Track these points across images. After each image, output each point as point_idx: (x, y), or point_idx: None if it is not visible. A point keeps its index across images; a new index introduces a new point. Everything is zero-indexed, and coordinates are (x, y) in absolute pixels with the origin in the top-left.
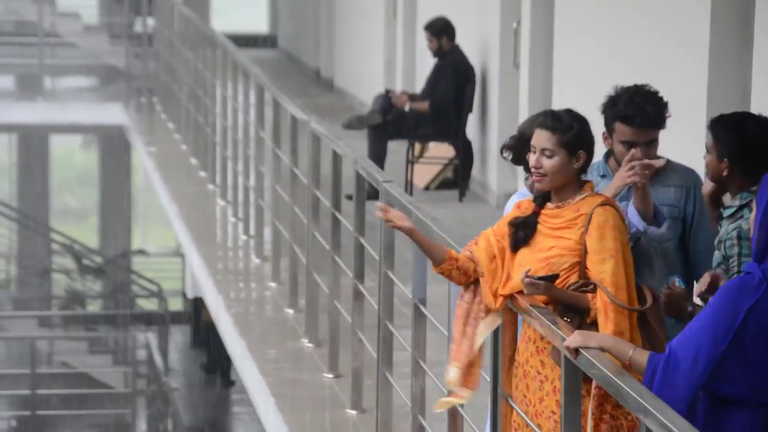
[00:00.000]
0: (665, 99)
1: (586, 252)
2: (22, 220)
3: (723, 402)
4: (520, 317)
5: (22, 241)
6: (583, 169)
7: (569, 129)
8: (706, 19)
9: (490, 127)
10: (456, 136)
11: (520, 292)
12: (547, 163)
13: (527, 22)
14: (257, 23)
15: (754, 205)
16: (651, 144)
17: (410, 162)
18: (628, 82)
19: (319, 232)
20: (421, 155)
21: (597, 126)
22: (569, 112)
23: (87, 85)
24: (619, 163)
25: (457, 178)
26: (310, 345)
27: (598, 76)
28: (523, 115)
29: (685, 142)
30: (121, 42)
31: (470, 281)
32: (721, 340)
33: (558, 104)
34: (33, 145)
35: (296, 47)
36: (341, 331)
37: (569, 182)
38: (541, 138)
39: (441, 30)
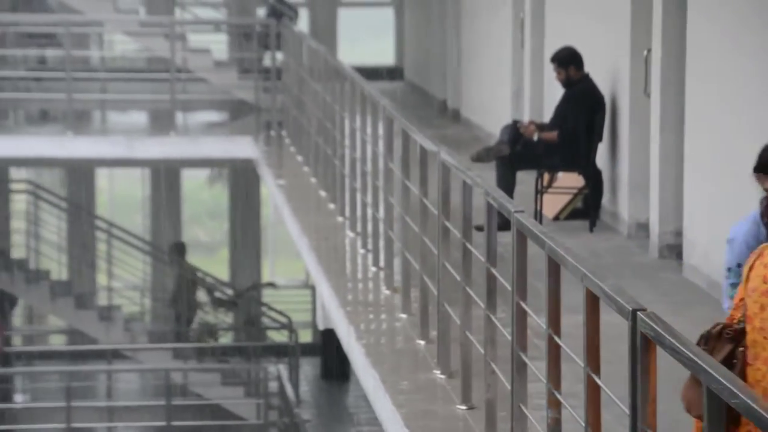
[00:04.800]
0: None
1: None
2: (156, 253)
3: None
4: None
5: (156, 274)
6: None
7: None
8: None
9: (620, 156)
10: (586, 165)
11: None
12: None
13: (658, 50)
14: (384, 55)
15: None
16: None
17: (539, 192)
18: (764, 108)
19: (449, 263)
20: (550, 185)
21: (744, 158)
22: None
23: (217, 120)
24: None
25: (588, 207)
26: (442, 376)
27: (731, 103)
28: (654, 144)
29: None
30: (250, 76)
31: None
32: None
33: (690, 133)
34: (165, 179)
35: (423, 78)
36: (474, 362)
37: None
38: None
39: (567, 60)
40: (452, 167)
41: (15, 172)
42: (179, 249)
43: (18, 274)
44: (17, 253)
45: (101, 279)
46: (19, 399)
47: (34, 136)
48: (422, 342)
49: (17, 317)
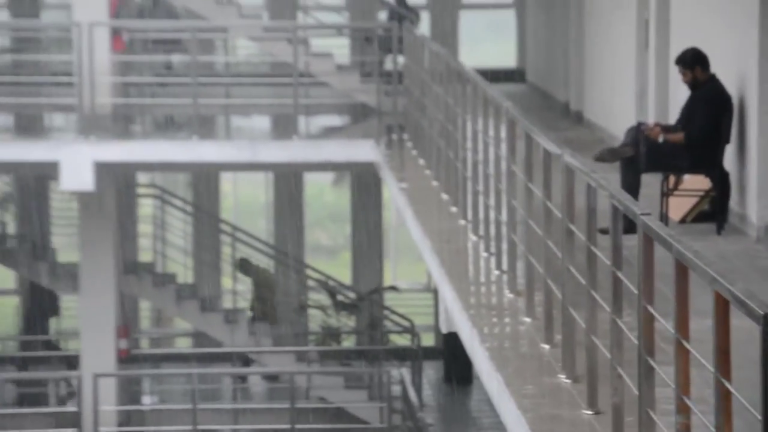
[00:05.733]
0: None
1: None
2: (279, 256)
3: None
4: None
5: (280, 277)
6: None
7: None
8: None
9: (748, 158)
10: (713, 167)
11: None
12: None
13: None
14: (505, 58)
15: None
16: None
17: (665, 194)
18: None
19: (573, 266)
20: (675, 187)
21: None
22: None
23: (339, 123)
24: None
25: (715, 210)
26: (567, 380)
27: None
28: None
29: None
30: (372, 80)
31: None
32: None
33: None
34: (287, 183)
35: (545, 81)
36: (600, 366)
37: None
38: None
39: (692, 61)
40: (576, 169)
41: (142, 177)
42: (243, 266)
43: (145, 278)
44: (144, 256)
45: (226, 282)
46: (147, 401)
47: (160, 141)
48: (546, 346)
49: (144, 319)
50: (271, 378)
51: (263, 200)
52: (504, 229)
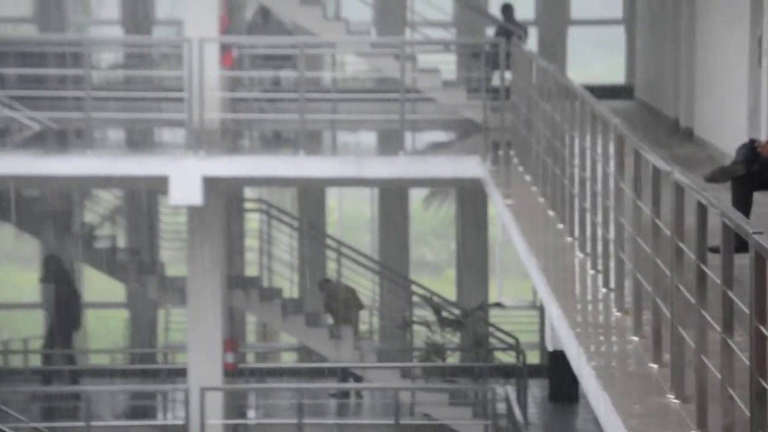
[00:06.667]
0: None
1: None
2: (384, 272)
3: None
4: None
5: (384, 293)
6: None
7: None
8: None
9: None
10: None
11: None
12: None
13: None
14: (614, 74)
15: None
16: None
17: None
18: None
19: (683, 285)
20: None
21: None
22: None
23: (445, 139)
24: None
25: None
26: (676, 401)
27: None
28: None
29: None
30: (478, 96)
31: None
32: None
33: None
34: (393, 198)
35: (654, 97)
36: (709, 387)
37: None
38: None
39: None
40: (686, 187)
41: (249, 192)
42: (321, 285)
43: (252, 292)
44: (251, 271)
45: None
46: (252, 415)
47: (267, 156)
48: (655, 365)
49: (250, 333)
50: (376, 393)
51: (368, 215)
52: (611, 247)
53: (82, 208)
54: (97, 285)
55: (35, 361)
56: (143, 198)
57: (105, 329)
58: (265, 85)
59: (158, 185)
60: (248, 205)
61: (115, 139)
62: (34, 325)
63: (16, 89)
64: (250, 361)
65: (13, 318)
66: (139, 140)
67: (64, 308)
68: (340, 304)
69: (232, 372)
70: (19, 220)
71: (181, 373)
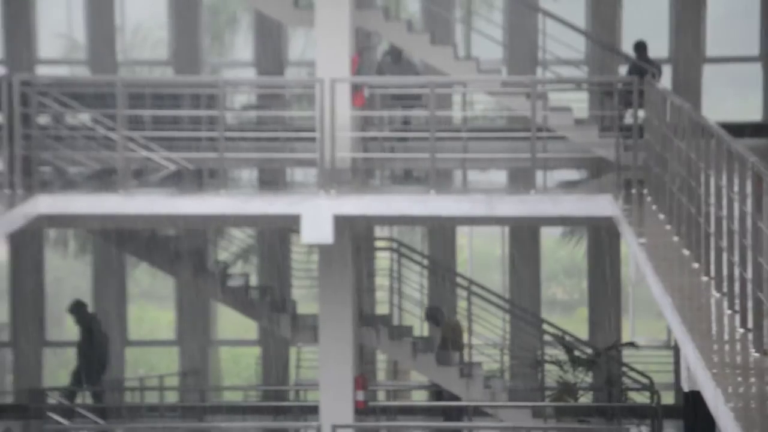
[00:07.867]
0: None
1: None
2: (515, 311)
3: None
4: None
5: (515, 331)
6: None
7: None
8: None
9: None
10: None
11: None
12: None
13: None
14: (750, 111)
15: None
16: None
17: None
18: None
19: None
20: None
21: None
22: None
23: (577, 178)
24: None
25: None
26: None
27: None
28: None
29: None
30: (611, 134)
31: None
32: None
33: None
34: (524, 236)
35: None
36: None
37: None
38: None
39: None
40: None
41: (379, 230)
42: (432, 314)
43: (382, 330)
44: (381, 309)
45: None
46: None
47: (398, 195)
48: None
49: (381, 371)
50: None
51: (498, 253)
52: (749, 287)
53: (215, 246)
54: (230, 322)
55: (172, 397)
56: (275, 236)
57: (237, 366)
58: (396, 124)
59: (290, 223)
60: (379, 243)
61: (248, 179)
62: (169, 362)
63: (153, 130)
64: (381, 399)
65: (149, 354)
66: (272, 179)
67: (94, 350)
68: (448, 330)
69: (363, 410)
70: (155, 258)
71: (312, 411)
